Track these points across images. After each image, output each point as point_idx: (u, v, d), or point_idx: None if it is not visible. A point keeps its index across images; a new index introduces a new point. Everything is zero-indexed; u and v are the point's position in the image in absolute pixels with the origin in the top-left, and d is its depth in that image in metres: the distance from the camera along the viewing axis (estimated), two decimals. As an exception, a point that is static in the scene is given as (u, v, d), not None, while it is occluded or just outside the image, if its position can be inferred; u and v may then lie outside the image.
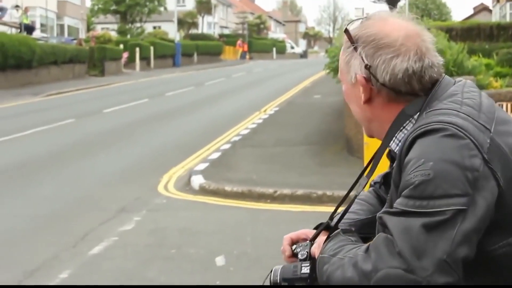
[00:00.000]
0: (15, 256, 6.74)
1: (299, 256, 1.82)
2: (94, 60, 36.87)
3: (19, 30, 34.05)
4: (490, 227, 1.51)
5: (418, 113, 1.66)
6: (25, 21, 35.05)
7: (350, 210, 1.86)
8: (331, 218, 1.82)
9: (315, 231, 1.86)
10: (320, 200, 8.74)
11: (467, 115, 1.56)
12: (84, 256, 6.66)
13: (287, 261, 1.87)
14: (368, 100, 1.71)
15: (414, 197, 1.48)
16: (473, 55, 12.35)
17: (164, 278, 5.97)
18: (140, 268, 6.25)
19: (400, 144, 1.66)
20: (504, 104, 9.80)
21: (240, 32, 79.04)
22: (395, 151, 1.68)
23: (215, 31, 76.20)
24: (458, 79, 1.75)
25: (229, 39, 71.86)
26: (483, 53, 15.35)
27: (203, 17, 69.32)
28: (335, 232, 1.73)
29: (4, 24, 33.81)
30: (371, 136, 1.81)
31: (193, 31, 66.80)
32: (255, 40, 77.35)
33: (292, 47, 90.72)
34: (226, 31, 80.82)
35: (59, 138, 14.60)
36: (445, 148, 1.50)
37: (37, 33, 38.46)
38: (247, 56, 69.11)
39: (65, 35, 46.50)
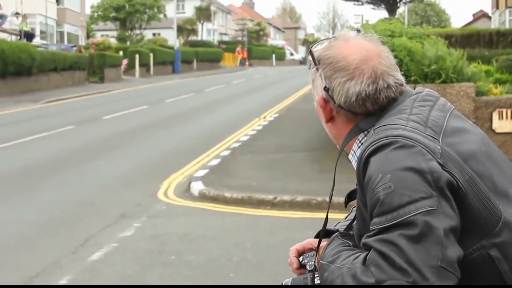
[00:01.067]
0: (15, 262, 6.73)
1: (307, 267, 1.82)
2: (94, 67, 36.93)
3: (19, 37, 34.08)
4: (461, 230, 1.52)
5: (371, 128, 1.69)
6: (25, 28, 35.10)
7: (348, 217, 1.89)
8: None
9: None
10: (320, 206, 8.73)
11: (414, 129, 1.59)
12: (84, 262, 6.66)
13: (296, 273, 1.88)
14: (331, 119, 1.78)
15: (384, 213, 1.50)
16: (473, 62, 12.37)
17: (163, 284, 5.96)
18: (140, 274, 6.25)
19: (356, 163, 1.69)
20: (504, 110, 9.81)
21: (240, 39, 79.15)
22: (354, 168, 1.72)
23: (215, 38, 76.32)
24: (416, 90, 1.77)
25: (229, 46, 71.98)
26: (483, 60, 15.36)
27: (202, 24, 69.43)
28: (333, 235, 1.75)
29: (4, 31, 33.85)
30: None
31: (192, 38, 66.90)
32: (254, 47, 77.46)
33: (292, 54, 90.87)
34: (225, 38, 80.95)
35: (59, 144, 14.60)
36: (398, 159, 1.53)
37: (37, 40, 38.51)
38: (247, 63, 69.21)
39: (65, 42, 46.55)
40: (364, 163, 1.59)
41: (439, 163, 1.53)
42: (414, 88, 1.79)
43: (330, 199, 1.80)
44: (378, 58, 1.71)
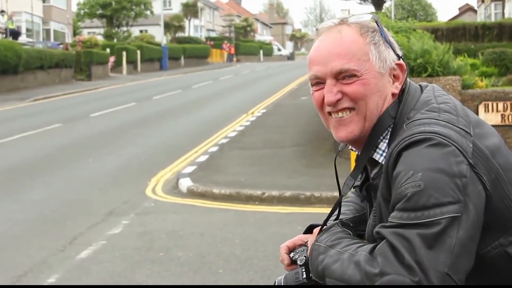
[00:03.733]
0: (3, 261, 6.70)
1: (298, 262, 1.81)
2: (81, 64, 36.78)
3: (4, 35, 33.89)
4: (481, 230, 1.52)
5: (393, 122, 1.67)
6: (11, 26, 34.91)
7: (335, 213, 1.86)
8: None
9: (309, 235, 1.85)
10: (308, 201, 8.75)
11: (447, 122, 1.57)
12: (72, 260, 6.64)
13: (288, 269, 1.86)
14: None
15: (409, 210, 1.48)
16: (459, 55, 12.41)
17: (152, 281, 5.96)
18: (129, 272, 6.24)
19: (384, 157, 1.65)
20: (490, 103, 9.87)
21: (227, 35, 79.03)
22: (379, 161, 1.69)
23: (202, 34, 76.17)
24: (423, 84, 1.76)
25: (216, 42, 71.87)
26: (469, 53, 15.44)
27: (189, 21, 69.27)
28: (332, 223, 1.73)
29: (-10, 29, 33.65)
30: (353, 139, 1.71)
31: (179, 34, 66.73)
32: (242, 43, 77.38)
33: (279, 49, 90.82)
34: (213, 34, 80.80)
35: (46, 142, 14.54)
36: (431, 158, 1.51)
37: (23, 38, 38.32)
38: (234, 59, 69.14)
39: (51, 40, 46.34)
40: (395, 157, 1.56)
41: (469, 164, 1.51)
42: None
43: (351, 186, 1.73)
44: None
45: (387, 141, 1.67)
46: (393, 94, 1.70)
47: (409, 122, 1.61)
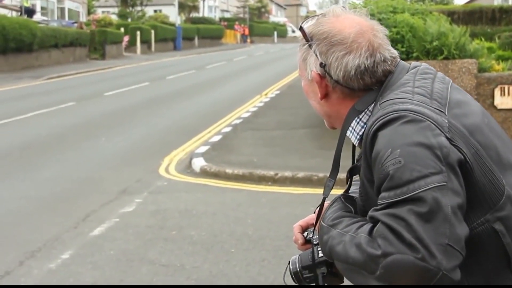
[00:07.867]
0: (17, 237, 6.74)
1: (313, 241, 1.81)
2: (95, 43, 36.83)
3: (19, 13, 33.92)
4: (466, 206, 1.52)
5: (373, 104, 1.68)
6: (26, 4, 34.94)
7: (351, 191, 1.87)
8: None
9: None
10: (321, 182, 8.72)
11: (420, 102, 1.58)
12: (85, 237, 6.68)
13: (301, 249, 1.88)
14: (325, 96, 1.75)
15: (394, 187, 1.49)
16: (475, 39, 12.28)
17: (164, 259, 5.98)
18: (141, 249, 6.26)
19: (361, 139, 1.68)
20: (506, 87, 9.78)
21: (241, 15, 78.75)
22: (355, 144, 1.73)
23: (216, 15, 75.94)
24: (413, 64, 1.76)
25: (230, 23, 71.68)
26: (485, 37, 15.25)
27: (204, 1, 69.04)
28: (336, 197, 1.75)
29: (5, 7, 33.71)
30: (332, 128, 1.84)
31: (194, 14, 66.56)
32: (256, 24, 77.13)
33: (293, 31, 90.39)
34: (227, 15, 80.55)
35: (60, 121, 14.59)
36: (408, 133, 1.52)
37: (37, 16, 38.34)
38: (248, 40, 68.94)
39: (66, 19, 46.36)
40: (371, 138, 1.57)
41: (447, 138, 1.53)
42: None
43: (332, 186, 1.74)
44: (372, 31, 1.70)
45: (362, 123, 1.70)
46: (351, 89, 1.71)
47: (383, 101, 1.63)
